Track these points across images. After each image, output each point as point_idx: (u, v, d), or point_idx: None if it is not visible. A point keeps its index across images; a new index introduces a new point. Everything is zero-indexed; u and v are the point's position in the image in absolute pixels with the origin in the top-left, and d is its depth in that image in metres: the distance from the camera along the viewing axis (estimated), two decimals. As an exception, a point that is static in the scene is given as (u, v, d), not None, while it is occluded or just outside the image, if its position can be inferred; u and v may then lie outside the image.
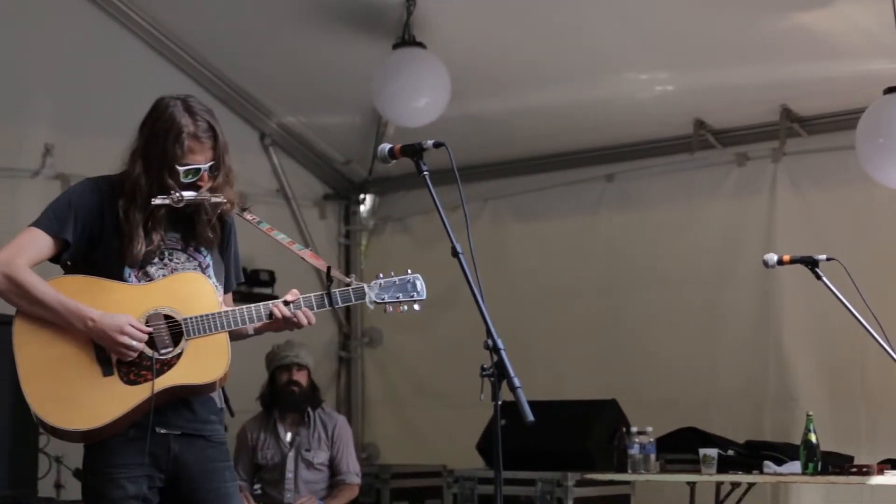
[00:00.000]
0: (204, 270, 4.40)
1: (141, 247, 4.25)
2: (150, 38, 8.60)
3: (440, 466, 8.89)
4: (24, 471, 6.89)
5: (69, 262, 4.35)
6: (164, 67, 8.75)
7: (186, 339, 4.24)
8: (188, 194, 4.25)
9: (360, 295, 4.46)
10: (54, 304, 4.16)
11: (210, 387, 4.33)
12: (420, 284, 4.57)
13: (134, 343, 4.16)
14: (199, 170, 4.26)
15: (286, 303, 4.39)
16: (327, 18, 8.03)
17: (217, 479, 4.38)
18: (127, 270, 4.28)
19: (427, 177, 4.03)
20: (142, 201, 4.26)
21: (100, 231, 4.28)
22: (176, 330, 4.25)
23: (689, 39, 7.54)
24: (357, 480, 7.53)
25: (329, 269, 4.44)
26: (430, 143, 4.04)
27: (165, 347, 4.23)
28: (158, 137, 4.24)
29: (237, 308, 4.35)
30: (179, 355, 4.23)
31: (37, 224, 4.29)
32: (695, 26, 7.43)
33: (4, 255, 4.22)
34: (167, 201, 4.25)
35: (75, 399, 4.18)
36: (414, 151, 4.08)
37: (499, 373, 3.68)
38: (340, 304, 4.47)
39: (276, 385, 7.46)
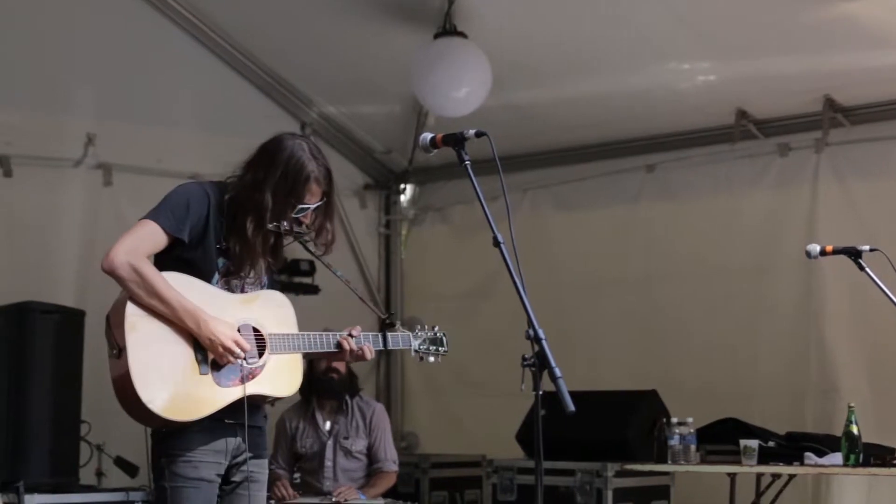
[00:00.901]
0: (262, 287, 4.72)
1: (252, 266, 4.62)
2: (192, 27, 8.62)
3: (479, 456, 8.88)
4: (66, 459, 6.94)
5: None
6: (205, 57, 8.78)
7: (269, 354, 4.57)
8: (295, 228, 4.61)
9: (407, 342, 5.00)
10: (172, 300, 4.41)
11: (262, 411, 4.74)
12: (446, 340, 5.10)
13: (239, 351, 4.46)
14: (308, 208, 4.59)
15: (350, 335, 4.77)
16: (368, 8, 8.04)
17: (263, 466, 4.74)
18: (216, 276, 4.57)
19: (469, 166, 4.03)
20: (264, 227, 4.56)
21: (201, 235, 4.53)
22: (261, 343, 4.57)
23: (730, 29, 7.50)
24: (395, 468, 7.53)
25: (390, 314, 5.00)
26: (471, 132, 4.04)
27: (252, 358, 4.54)
28: (289, 177, 4.55)
29: (311, 333, 4.72)
30: (262, 367, 4.56)
31: (154, 219, 4.49)
32: (737, 15, 7.38)
33: (129, 245, 4.44)
34: (277, 229, 4.59)
35: (176, 391, 4.42)
36: (456, 141, 4.07)
37: (540, 363, 3.67)
38: (391, 347, 4.95)
39: (315, 373, 7.45)
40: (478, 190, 3.98)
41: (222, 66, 8.89)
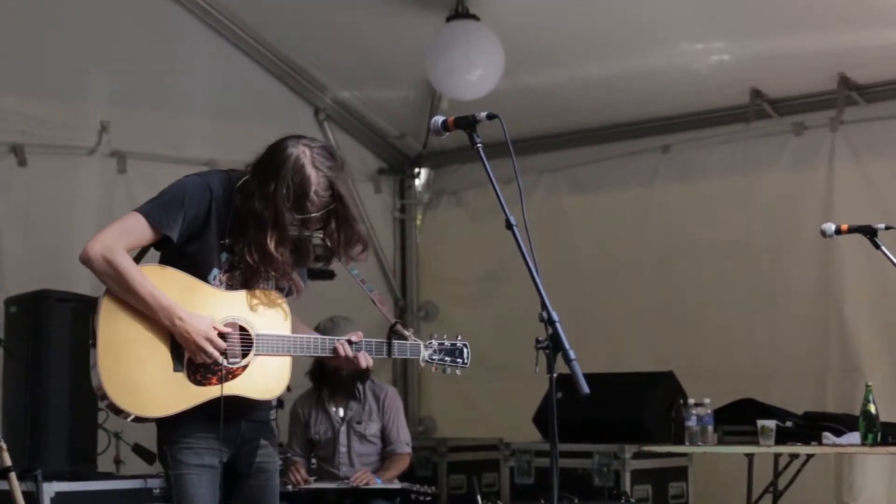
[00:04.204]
0: (273, 284, 4.54)
1: (281, 276, 4.48)
2: (205, 14, 8.63)
3: (497, 440, 8.90)
4: (84, 446, 6.95)
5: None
6: (218, 44, 8.79)
7: (255, 355, 4.43)
8: (293, 232, 4.43)
9: (416, 352, 4.80)
10: (146, 295, 4.28)
11: (266, 403, 4.58)
12: (467, 352, 4.94)
13: (212, 350, 4.32)
14: (309, 217, 4.40)
15: (350, 342, 4.59)
16: (381, -7, 8.04)
17: (272, 455, 4.66)
18: (214, 272, 4.43)
19: (480, 149, 4.01)
20: (285, 241, 4.43)
21: (201, 230, 4.39)
22: (247, 343, 4.43)
23: (744, 8, 7.47)
24: (408, 450, 7.48)
25: (396, 323, 4.77)
26: (483, 115, 4.02)
27: (234, 357, 4.40)
28: (290, 190, 4.33)
29: (305, 336, 4.57)
30: (245, 367, 4.42)
31: (144, 212, 4.37)
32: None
33: (107, 237, 4.34)
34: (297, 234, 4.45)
35: (143, 386, 4.34)
36: (467, 124, 4.05)
37: (554, 345, 3.66)
38: (396, 356, 4.75)
39: (325, 364, 7.36)
40: (489, 172, 3.97)
41: (236, 53, 8.89)
